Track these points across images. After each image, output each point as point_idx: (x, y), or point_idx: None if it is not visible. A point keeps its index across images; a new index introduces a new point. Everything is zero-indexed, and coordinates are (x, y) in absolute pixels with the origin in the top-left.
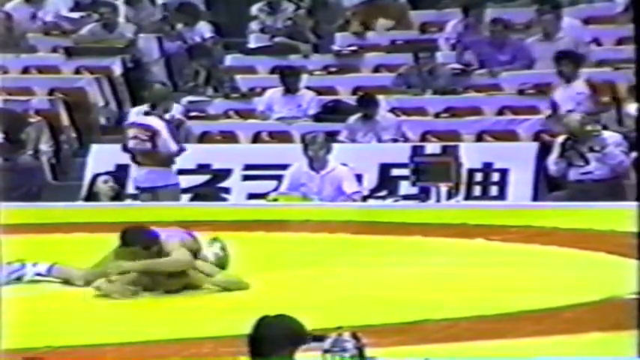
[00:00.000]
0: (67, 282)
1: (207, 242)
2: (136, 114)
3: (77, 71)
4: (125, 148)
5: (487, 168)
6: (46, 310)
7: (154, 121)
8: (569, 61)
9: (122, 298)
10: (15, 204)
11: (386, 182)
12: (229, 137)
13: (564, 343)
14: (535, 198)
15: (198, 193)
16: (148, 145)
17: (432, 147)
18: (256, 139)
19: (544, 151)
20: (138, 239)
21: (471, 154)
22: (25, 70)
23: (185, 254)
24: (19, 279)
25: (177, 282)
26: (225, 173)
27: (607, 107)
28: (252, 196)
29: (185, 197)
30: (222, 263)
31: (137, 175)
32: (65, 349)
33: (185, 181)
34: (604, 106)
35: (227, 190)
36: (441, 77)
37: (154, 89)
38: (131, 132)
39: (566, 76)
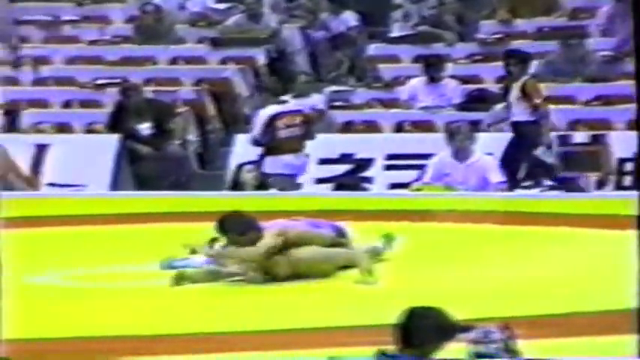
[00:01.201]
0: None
1: (380, 235)
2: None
3: (223, 62)
4: (269, 138)
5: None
6: (197, 297)
7: (300, 107)
8: (516, 61)
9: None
10: (164, 192)
11: (532, 172)
12: (372, 127)
13: None
14: None
15: (341, 183)
16: (304, 129)
17: (581, 136)
18: (399, 128)
19: None
20: (233, 226)
21: (621, 143)
22: (174, 61)
23: (265, 244)
24: (186, 267)
25: (283, 269)
26: (368, 163)
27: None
28: (394, 185)
29: (328, 187)
30: (374, 256)
31: (288, 161)
32: (214, 335)
33: (328, 170)
34: (534, 109)
35: (369, 180)
36: (592, 64)
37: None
38: (280, 122)
39: (514, 75)
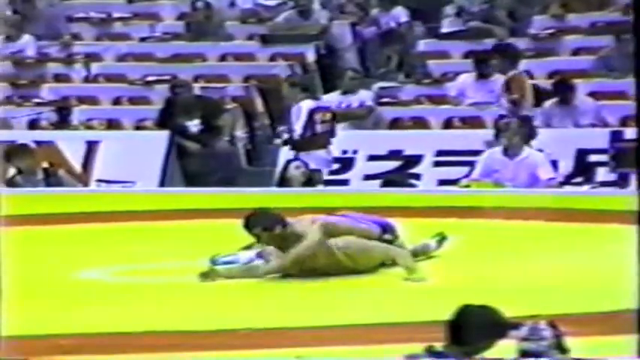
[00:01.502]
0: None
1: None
2: (328, 101)
3: (272, 58)
4: (310, 132)
5: None
6: (245, 293)
7: (327, 103)
8: (503, 55)
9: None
10: (213, 189)
11: (582, 168)
12: (420, 123)
13: None
14: None
15: (389, 179)
16: (332, 125)
17: (633, 132)
18: (448, 124)
19: None
20: (258, 222)
21: None
22: (223, 58)
23: (313, 235)
24: (230, 263)
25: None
26: (416, 159)
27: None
28: (443, 182)
29: (375, 183)
30: (421, 254)
31: (321, 157)
32: (263, 331)
33: (376, 167)
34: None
35: (418, 177)
36: None
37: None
38: (317, 117)
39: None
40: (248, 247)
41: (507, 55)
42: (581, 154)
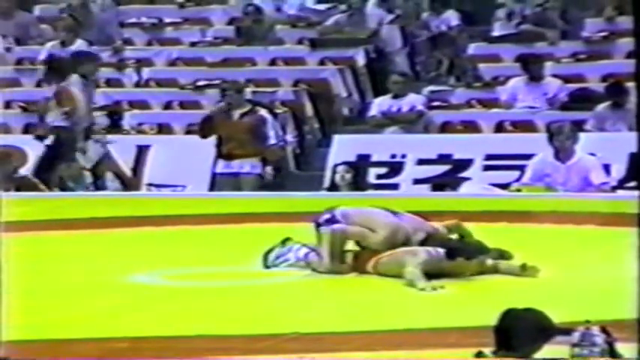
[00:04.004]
0: (314, 269)
1: None
2: (378, 104)
3: (322, 62)
4: None
5: None
6: (294, 297)
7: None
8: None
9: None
10: (262, 193)
11: (635, 173)
12: (471, 127)
13: None
14: None
15: (438, 184)
16: None
17: None
18: (499, 128)
19: None
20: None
21: None
22: (273, 62)
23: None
24: (284, 262)
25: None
26: (467, 163)
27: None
28: (493, 186)
29: (425, 187)
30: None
31: None
32: (312, 335)
33: (425, 171)
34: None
35: (468, 180)
36: None
37: None
38: None
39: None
40: (285, 242)
41: (56, 67)
42: (635, 157)
